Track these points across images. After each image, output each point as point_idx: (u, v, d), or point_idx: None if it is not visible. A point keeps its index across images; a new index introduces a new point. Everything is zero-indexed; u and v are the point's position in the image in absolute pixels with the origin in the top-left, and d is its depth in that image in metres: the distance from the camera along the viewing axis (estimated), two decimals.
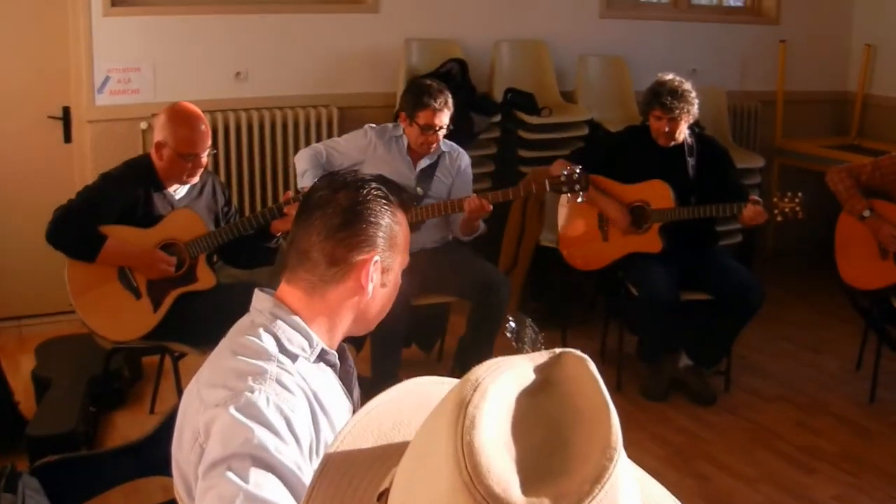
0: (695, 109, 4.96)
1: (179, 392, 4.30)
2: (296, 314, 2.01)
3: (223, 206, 4.44)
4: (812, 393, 5.29)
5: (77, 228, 3.98)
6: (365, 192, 2.03)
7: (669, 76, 5.02)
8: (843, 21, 8.09)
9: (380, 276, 2.05)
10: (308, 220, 2.03)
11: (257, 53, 6.14)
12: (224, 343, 2.03)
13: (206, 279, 4.20)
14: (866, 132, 7.87)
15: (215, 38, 6.04)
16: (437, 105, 4.74)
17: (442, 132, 4.82)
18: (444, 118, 4.78)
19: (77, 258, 4.03)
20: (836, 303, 6.55)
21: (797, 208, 4.76)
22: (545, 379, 0.99)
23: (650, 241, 5.00)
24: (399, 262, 2.11)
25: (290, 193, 4.30)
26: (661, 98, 4.92)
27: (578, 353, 1.02)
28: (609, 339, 5.64)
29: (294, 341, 1.98)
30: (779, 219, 4.81)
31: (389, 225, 2.04)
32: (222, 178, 5.79)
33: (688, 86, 4.98)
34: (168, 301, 4.12)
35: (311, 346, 2.01)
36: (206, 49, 6.02)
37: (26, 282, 5.80)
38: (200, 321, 4.06)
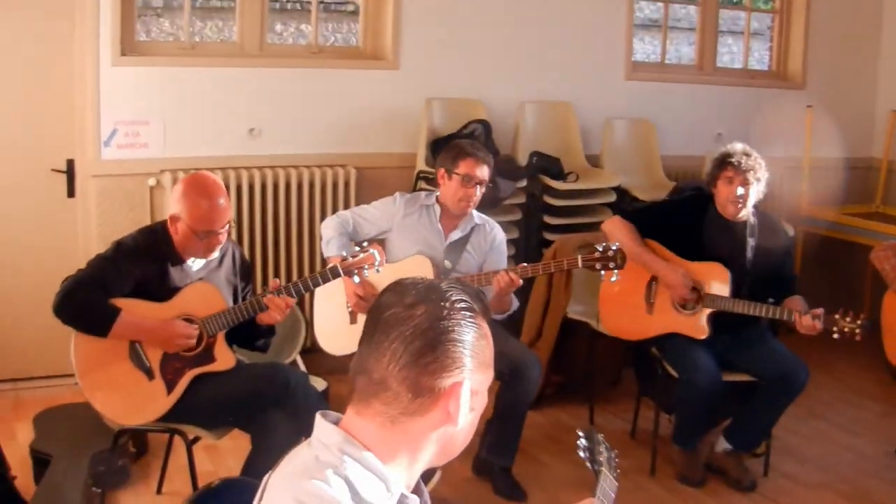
0: (764, 179, 4.72)
1: (192, 472, 3.99)
2: (370, 451, 1.70)
3: (242, 280, 4.15)
4: (853, 479, 5.02)
5: (87, 301, 3.65)
6: (447, 304, 1.72)
7: (738, 145, 4.78)
8: (869, 86, 7.93)
9: (469, 400, 1.74)
10: (381, 342, 1.71)
11: (272, 109, 5.93)
12: (281, 484, 1.69)
13: (224, 359, 3.89)
14: (891, 200, 7.68)
15: (229, 92, 5.83)
16: (480, 155, 4.62)
17: (480, 190, 4.63)
18: (485, 172, 4.63)
19: (87, 333, 3.71)
20: (863, 378, 6.45)
21: (857, 330, 4.49)
22: None
23: (696, 326, 4.73)
24: (486, 379, 1.80)
25: (278, 282, 3.97)
26: (733, 158, 4.68)
27: None
28: (640, 418, 5.35)
29: (370, 488, 1.66)
30: (835, 336, 4.53)
31: (476, 341, 1.74)
32: (234, 238, 5.52)
33: (758, 154, 4.75)
34: (183, 383, 3.80)
35: (388, 490, 1.69)
36: (218, 103, 5.81)
37: (25, 342, 5.54)
38: (218, 404, 3.81)
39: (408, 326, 1.69)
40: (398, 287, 1.77)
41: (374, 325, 1.74)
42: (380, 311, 1.74)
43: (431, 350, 1.68)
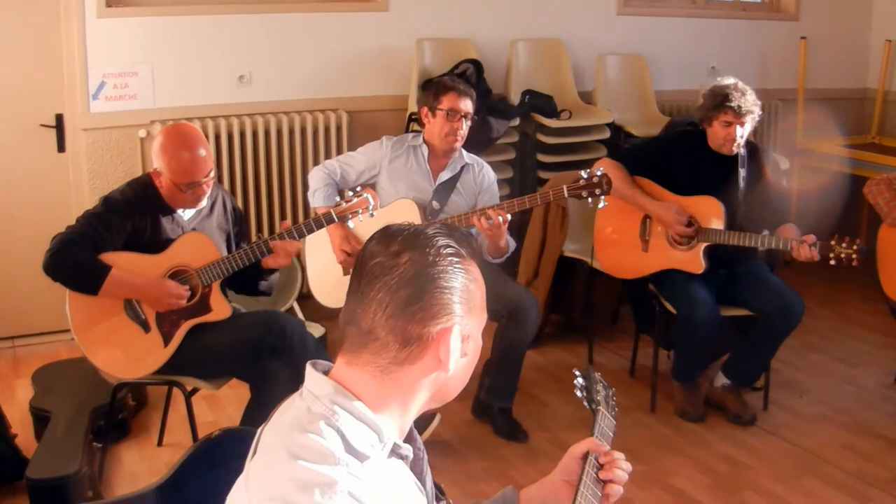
0: (757, 113, 4.68)
1: (192, 423, 3.99)
2: (360, 401, 1.67)
3: (234, 226, 4.12)
4: (853, 411, 5.03)
5: (77, 259, 3.62)
6: (432, 251, 1.68)
7: (730, 80, 4.72)
8: (863, 16, 7.86)
9: (460, 346, 1.71)
10: (367, 292, 1.68)
11: (261, 56, 5.86)
12: (274, 437, 1.66)
13: (220, 309, 3.87)
14: (886, 130, 7.64)
15: (217, 40, 5.75)
16: (461, 88, 4.58)
17: (466, 123, 4.58)
18: (468, 104, 4.58)
19: (77, 291, 3.69)
20: (861, 310, 6.47)
21: (853, 255, 4.45)
22: None
23: (693, 261, 4.70)
24: (478, 324, 1.76)
25: (288, 223, 3.96)
26: (733, 102, 4.60)
27: None
28: (639, 355, 5.37)
29: (362, 438, 1.63)
30: (832, 262, 4.50)
31: (465, 286, 1.70)
32: (226, 187, 5.50)
33: (750, 88, 4.70)
34: (180, 334, 3.78)
35: (380, 440, 1.66)
36: (207, 51, 5.73)
37: (20, 299, 5.51)
38: (215, 354, 3.80)
39: (393, 275, 1.65)
40: (383, 235, 1.74)
41: (360, 274, 1.71)
42: (365, 260, 1.71)
43: (417, 298, 1.64)
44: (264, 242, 3.86)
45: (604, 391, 2.32)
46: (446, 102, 4.55)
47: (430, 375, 1.70)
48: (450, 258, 1.69)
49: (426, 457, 1.84)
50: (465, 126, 4.59)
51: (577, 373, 2.34)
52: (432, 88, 4.65)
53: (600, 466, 2.04)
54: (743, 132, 4.63)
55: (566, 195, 4.34)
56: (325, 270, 4.63)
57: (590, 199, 4.32)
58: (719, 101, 4.65)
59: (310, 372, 1.73)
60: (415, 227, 1.74)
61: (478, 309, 1.75)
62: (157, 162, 3.78)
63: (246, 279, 4.04)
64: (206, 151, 3.81)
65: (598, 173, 4.29)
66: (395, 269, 1.66)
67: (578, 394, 2.29)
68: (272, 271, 4.06)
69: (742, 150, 4.77)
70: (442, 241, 1.70)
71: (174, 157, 3.73)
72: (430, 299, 1.65)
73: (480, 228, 4.31)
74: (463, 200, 4.69)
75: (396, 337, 1.65)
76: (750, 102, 4.61)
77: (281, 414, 1.72)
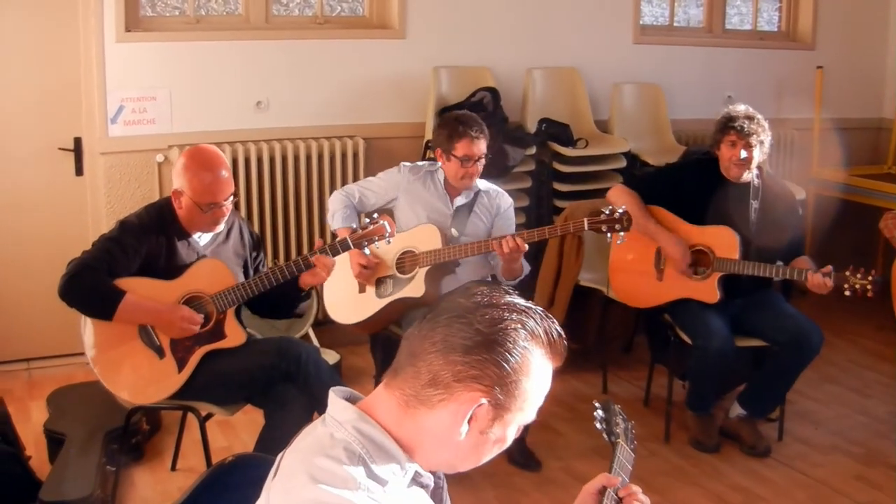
0: (768, 142, 4.69)
1: (206, 448, 3.99)
2: (385, 430, 1.66)
3: (251, 252, 4.13)
4: (867, 442, 5.01)
5: (92, 284, 3.62)
6: (512, 319, 1.64)
7: (741, 107, 4.75)
8: (880, 46, 7.87)
9: (484, 423, 1.65)
10: (432, 323, 1.66)
11: (279, 82, 5.89)
12: (296, 462, 1.66)
13: (235, 336, 3.87)
14: None
15: (235, 66, 5.78)
16: (473, 133, 4.49)
17: (481, 163, 4.56)
18: (482, 147, 4.53)
19: (92, 316, 3.71)
20: (876, 341, 6.46)
21: (868, 286, 4.45)
22: None
23: (708, 291, 4.70)
24: (516, 418, 1.68)
25: (321, 242, 3.97)
26: (736, 122, 4.64)
27: None
28: (654, 385, 5.36)
29: (384, 465, 1.63)
30: (847, 293, 4.50)
31: (520, 370, 1.63)
32: (242, 213, 5.52)
33: (761, 116, 4.71)
34: (194, 360, 3.79)
35: (402, 468, 1.66)
36: (225, 77, 5.77)
37: (37, 322, 5.53)
38: (229, 380, 3.80)
39: (461, 319, 1.64)
40: (487, 285, 1.72)
41: (438, 305, 1.71)
42: (453, 295, 1.71)
43: (467, 351, 1.61)
44: (304, 259, 3.86)
45: (623, 423, 2.33)
46: (460, 149, 4.48)
47: (443, 433, 1.66)
48: (523, 336, 1.64)
49: (446, 485, 1.85)
50: (480, 166, 4.57)
51: (597, 405, 2.35)
52: (445, 130, 4.56)
53: (619, 500, 2.04)
54: (749, 155, 4.65)
55: (586, 228, 4.32)
56: (340, 289, 4.65)
57: (609, 235, 4.34)
58: (724, 122, 4.71)
59: (333, 399, 1.73)
60: (516, 293, 1.71)
61: (522, 404, 1.67)
62: (178, 181, 3.79)
63: (284, 300, 4.04)
64: (227, 173, 3.83)
65: (620, 210, 4.29)
66: (466, 316, 1.64)
67: (598, 426, 2.30)
68: (308, 294, 4.07)
69: (756, 181, 4.78)
70: (531, 319, 1.66)
71: (196, 176, 3.75)
72: (479, 361, 1.61)
73: (499, 252, 4.30)
74: (482, 223, 4.67)
75: (429, 372, 1.64)
76: (755, 125, 4.63)
77: (303, 439, 1.73)
